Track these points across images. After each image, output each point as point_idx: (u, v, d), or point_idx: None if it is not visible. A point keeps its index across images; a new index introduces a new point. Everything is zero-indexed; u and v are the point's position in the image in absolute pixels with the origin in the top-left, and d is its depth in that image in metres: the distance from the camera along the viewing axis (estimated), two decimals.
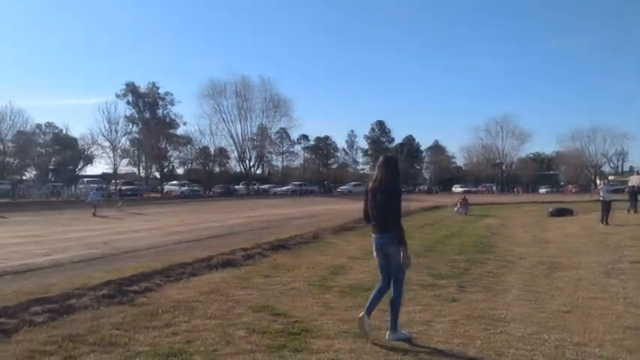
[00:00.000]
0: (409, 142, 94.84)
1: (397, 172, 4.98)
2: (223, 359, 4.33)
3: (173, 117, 73.88)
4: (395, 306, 4.86)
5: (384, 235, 4.88)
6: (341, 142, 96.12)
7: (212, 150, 74.14)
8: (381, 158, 5.10)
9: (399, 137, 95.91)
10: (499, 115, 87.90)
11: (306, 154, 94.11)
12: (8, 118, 55.95)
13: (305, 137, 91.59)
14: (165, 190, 61.70)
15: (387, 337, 4.84)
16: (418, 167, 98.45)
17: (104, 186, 51.56)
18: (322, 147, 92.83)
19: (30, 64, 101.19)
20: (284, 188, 68.64)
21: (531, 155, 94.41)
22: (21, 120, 57.95)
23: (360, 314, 4.93)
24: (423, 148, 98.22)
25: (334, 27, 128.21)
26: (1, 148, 57.23)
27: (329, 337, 4.93)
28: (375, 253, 5.06)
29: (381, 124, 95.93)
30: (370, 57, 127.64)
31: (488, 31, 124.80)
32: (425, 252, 11.16)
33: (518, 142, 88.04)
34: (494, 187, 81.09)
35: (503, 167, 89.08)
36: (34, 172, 64.71)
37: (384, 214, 4.81)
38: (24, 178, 62.18)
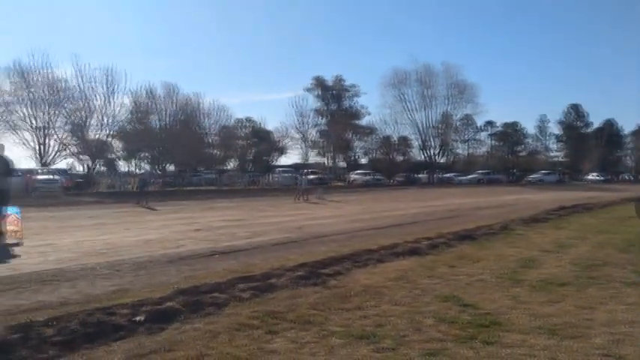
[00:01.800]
0: (608, 127, 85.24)
1: None
2: (413, 346, 4.40)
3: (358, 108, 76.23)
4: None
5: None
6: (530, 128, 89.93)
7: (395, 139, 74.70)
8: None
9: (597, 121, 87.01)
10: None
11: (492, 141, 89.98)
12: (216, 113, 62.40)
13: (491, 123, 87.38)
14: (350, 179, 63.87)
15: None
16: (620, 154, 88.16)
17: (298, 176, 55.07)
18: (510, 133, 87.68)
19: (230, 64, 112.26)
20: (468, 177, 66.73)
21: None
22: (224, 115, 64.18)
23: None
24: (625, 132, 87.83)
25: (521, 8, 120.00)
26: (208, 141, 64.02)
27: (522, 332, 4.74)
28: None
29: (576, 108, 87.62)
30: (561, 36, 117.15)
31: None
32: (628, 247, 10.13)
33: None
34: None
35: None
36: (236, 163, 71.48)
37: None
38: (227, 168, 69.02)
